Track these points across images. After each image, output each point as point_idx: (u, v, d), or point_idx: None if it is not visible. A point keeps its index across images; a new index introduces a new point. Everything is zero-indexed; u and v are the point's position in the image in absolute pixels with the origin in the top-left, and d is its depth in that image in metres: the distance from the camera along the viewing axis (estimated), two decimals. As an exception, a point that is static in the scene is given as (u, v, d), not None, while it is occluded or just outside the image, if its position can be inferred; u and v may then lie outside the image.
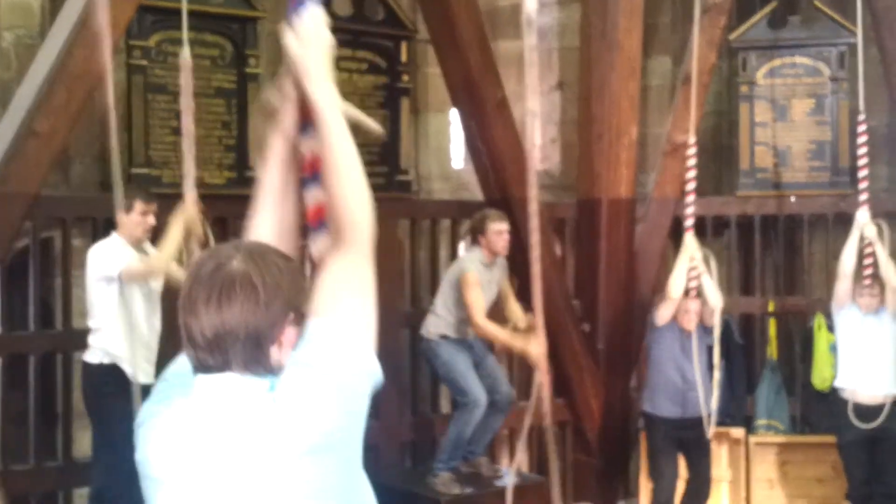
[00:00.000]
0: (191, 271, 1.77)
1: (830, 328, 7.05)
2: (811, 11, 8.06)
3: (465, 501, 5.98)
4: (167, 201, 5.77)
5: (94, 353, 5.20)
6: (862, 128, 6.64)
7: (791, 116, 8.00)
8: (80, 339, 5.34)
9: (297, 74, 2.00)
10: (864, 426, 6.34)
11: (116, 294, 5.11)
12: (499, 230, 6.03)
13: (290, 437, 1.67)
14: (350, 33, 6.65)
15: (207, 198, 5.29)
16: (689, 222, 6.50)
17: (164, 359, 5.29)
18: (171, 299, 5.13)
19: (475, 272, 5.95)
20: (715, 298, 6.41)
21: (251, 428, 1.68)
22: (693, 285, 6.40)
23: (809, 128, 7.97)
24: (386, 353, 6.68)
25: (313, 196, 2.07)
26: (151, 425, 1.78)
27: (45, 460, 5.60)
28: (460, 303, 5.98)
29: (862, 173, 6.61)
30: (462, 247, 6.97)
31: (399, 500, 5.50)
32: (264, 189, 2.07)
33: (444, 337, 6.02)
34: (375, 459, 6.46)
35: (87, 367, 5.23)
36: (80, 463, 5.63)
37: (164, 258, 5.09)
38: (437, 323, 6.06)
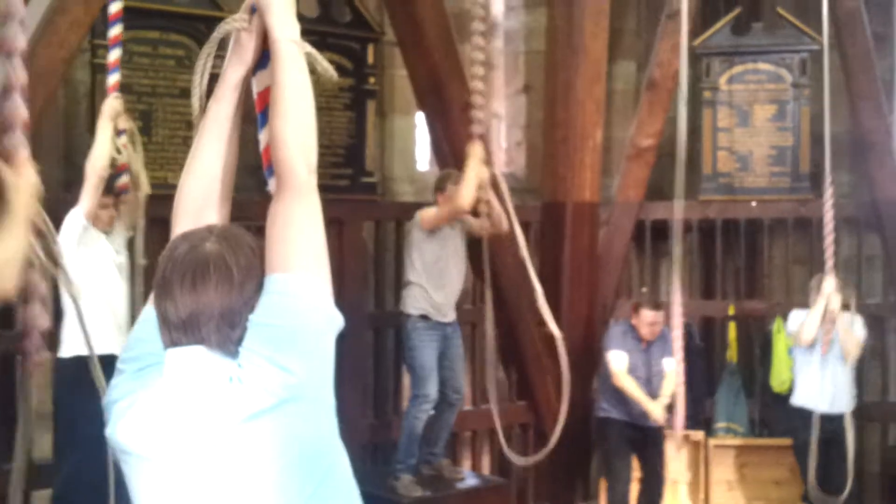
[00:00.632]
0: (165, 253, 1.81)
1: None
2: (774, 18, 8.15)
3: (427, 503, 5.99)
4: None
5: (67, 347, 5.10)
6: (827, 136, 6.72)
7: (753, 122, 8.08)
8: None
9: (260, 5, 1.98)
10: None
11: (81, 276, 5.02)
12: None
13: (258, 395, 1.69)
14: (316, 35, 6.64)
15: (172, 198, 5.25)
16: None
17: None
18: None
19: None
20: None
21: (220, 398, 1.70)
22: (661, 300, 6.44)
23: (771, 133, 8.06)
24: (349, 354, 6.69)
25: (265, 135, 2.03)
26: (127, 402, 1.79)
27: (3, 462, 5.54)
28: (431, 276, 5.98)
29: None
30: None
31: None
32: (212, 120, 2.03)
33: (424, 318, 6.00)
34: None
35: (59, 362, 5.09)
36: (39, 465, 5.57)
37: (99, 156, 4.87)
38: (415, 296, 6.00)
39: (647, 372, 6.46)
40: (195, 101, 2.12)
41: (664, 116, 7.71)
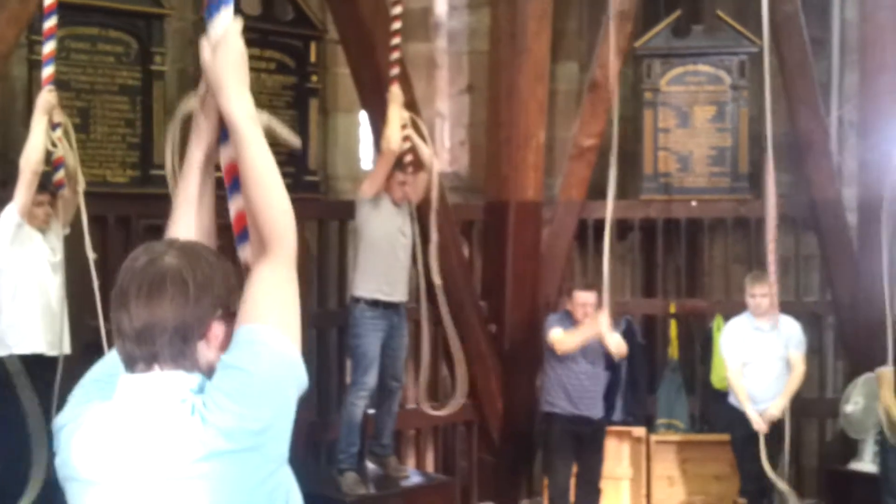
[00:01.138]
0: (125, 264, 1.81)
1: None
2: (714, 21, 8.26)
3: (371, 502, 5.99)
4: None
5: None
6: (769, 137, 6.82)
7: (693, 123, 8.18)
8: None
9: (211, 86, 1.98)
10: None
11: (15, 275, 4.95)
12: (401, 180, 6.09)
13: (218, 438, 1.68)
14: (258, 32, 6.60)
15: (111, 196, 5.20)
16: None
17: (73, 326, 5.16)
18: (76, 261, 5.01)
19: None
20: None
21: (176, 429, 1.69)
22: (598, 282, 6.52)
23: (711, 134, 8.17)
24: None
25: (234, 204, 2.07)
26: (75, 426, 1.79)
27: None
28: (378, 255, 6.01)
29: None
30: None
31: (304, 501, 5.48)
32: (182, 197, 2.07)
33: (373, 304, 6.00)
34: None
35: None
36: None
37: (33, 150, 4.81)
38: (366, 276, 6.03)
39: (584, 359, 6.50)
40: (169, 179, 2.20)
41: (606, 117, 7.78)
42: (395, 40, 6.02)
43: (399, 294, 6.15)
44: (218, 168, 2.10)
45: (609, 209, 6.47)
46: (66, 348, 5.03)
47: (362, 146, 7.88)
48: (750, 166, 7.98)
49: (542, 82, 7.56)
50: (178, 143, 2.16)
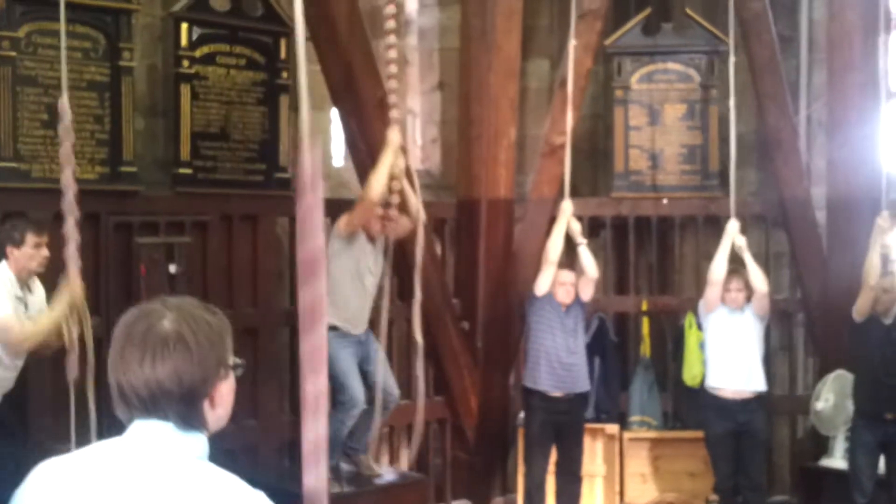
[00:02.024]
0: (120, 331, 1.80)
1: (700, 326, 7.26)
2: (683, 19, 8.29)
3: (345, 500, 5.96)
4: (38, 196, 5.60)
5: None
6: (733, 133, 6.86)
7: (664, 121, 8.21)
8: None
9: None
10: (729, 421, 6.57)
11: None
12: (381, 213, 6.03)
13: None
14: (227, 28, 6.54)
15: (80, 193, 5.12)
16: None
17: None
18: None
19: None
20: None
21: (185, 480, 1.70)
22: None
23: (681, 132, 8.20)
24: (265, 351, 6.62)
25: None
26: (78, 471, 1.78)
27: None
28: (344, 289, 5.96)
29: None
30: None
31: (278, 500, 5.43)
32: None
33: (333, 328, 5.96)
34: (254, 459, 6.38)
35: None
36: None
37: (41, 331, 4.80)
38: (333, 307, 5.96)
39: (564, 334, 6.57)
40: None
41: (577, 115, 7.79)
42: (394, 82, 5.68)
43: (361, 327, 6.14)
44: None
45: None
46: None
47: (334, 143, 7.84)
48: (720, 164, 8.01)
49: (513, 80, 7.56)
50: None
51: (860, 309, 6.42)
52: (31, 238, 4.97)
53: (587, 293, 6.78)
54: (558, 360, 6.62)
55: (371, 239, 6.09)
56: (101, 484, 1.73)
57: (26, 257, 4.96)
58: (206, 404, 1.79)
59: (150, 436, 1.76)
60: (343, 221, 5.98)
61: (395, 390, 6.30)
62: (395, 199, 5.86)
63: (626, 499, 7.28)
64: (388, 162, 5.62)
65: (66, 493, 1.74)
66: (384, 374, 6.15)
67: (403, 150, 5.87)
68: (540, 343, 6.70)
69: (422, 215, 5.91)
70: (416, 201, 5.89)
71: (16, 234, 4.94)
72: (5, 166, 5.72)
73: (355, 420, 6.01)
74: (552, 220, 7.84)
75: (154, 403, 1.75)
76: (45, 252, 5.03)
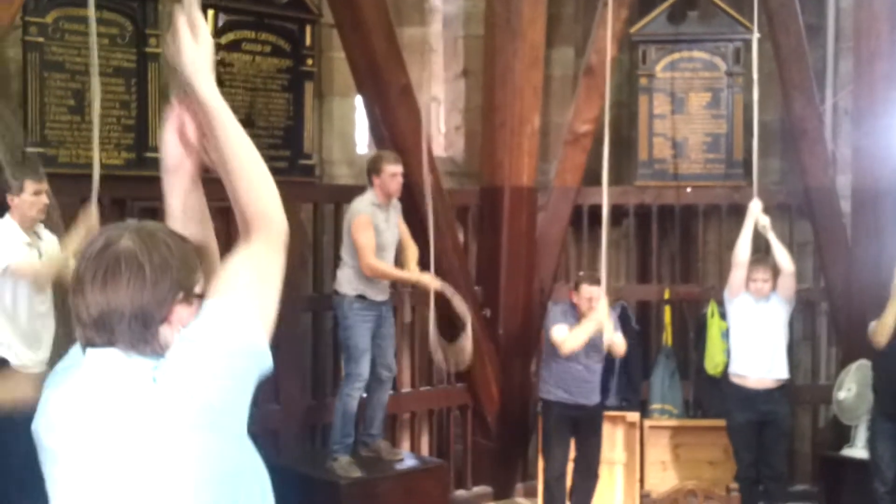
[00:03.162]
0: (82, 249, 1.79)
1: (723, 315, 7.25)
2: (709, 7, 8.25)
3: (365, 485, 6.01)
4: (65, 181, 5.67)
5: None
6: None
7: (688, 109, 8.18)
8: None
9: (186, 77, 1.92)
10: (752, 410, 6.57)
11: None
12: (393, 172, 6.08)
13: (172, 411, 1.67)
14: (253, 15, 6.58)
15: (106, 178, 5.19)
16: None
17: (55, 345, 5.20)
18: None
19: (367, 214, 6.00)
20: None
21: (134, 404, 1.68)
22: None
23: (705, 121, 8.17)
24: (287, 337, 6.70)
25: None
26: (49, 395, 1.79)
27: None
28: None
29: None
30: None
31: (299, 484, 5.50)
32: (174, 204, 2.06)
33: (361, 297, 6.02)
34: (276, 443, 6.44)
35: None
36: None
37: (56, 265, 4.96)
38: (351, 277, 6.03)
39: (585, 349, 6.50)
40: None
41: (601, 103, 7.77)
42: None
43: (382, 294, 6.16)
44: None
45: (605, 198, 6.48)
46: None
47: (358, 130, 7.87)
48: (745, 153, 7.98)
49: (538, 67, 7.56)
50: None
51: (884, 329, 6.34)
52: (29, 185, 5.09)
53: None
54: (576, 380, 6.52)
55: (384, 204, 6.10)
56: (58, 419, 1.73)
57: (27, 205, 5.07)
58: (164, 328, 1.75)
59: (100, 364, 1.73)
60: (368, 265, 5.97)
61: (394, 368, 6.35)
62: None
63: (647, 486, 7.27)
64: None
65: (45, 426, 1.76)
66: (385, 350, 6.21)
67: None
68: (555, 363, 6.54)
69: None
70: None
71: (15, 182, 5.02)
72: (33, 151, 5.79)
73: (359, 394, 6.06)
74: (575, 209, 7.87)
75: (103, 323, 1.72)
76: (44, 199, 5.16)
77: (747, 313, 6.65)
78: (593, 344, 6.47)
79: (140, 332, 1.73)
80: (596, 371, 6.58)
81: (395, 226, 6.22)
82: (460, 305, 6.17)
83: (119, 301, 1.71)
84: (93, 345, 1.75)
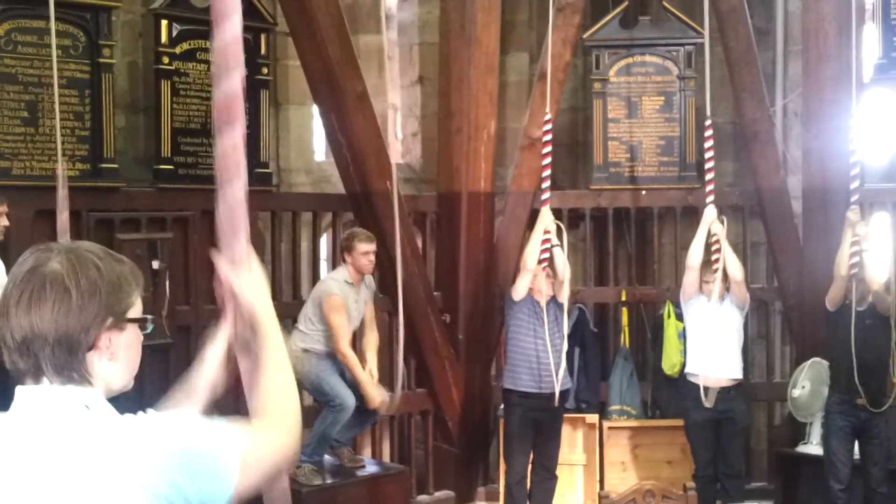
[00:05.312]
0: (13, 270, 1.71)
1: (679, 316, 7.34)
2: (660, 12, 8.35)
3: (327, 492, 6.02)
4: (20, 193, 5.64)
5: None
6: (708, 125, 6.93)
7: (642, 113, 8.27)
8: None
9: (245, 301, 1.96)
10: (709, 409, 6.65)
11: None
12: (365, 251, 6.13)
13: (111, 436, 1.62)
14: (207, 24, 6.56)
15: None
16: (545, 196, 6.83)
17: None
18: None
19: (339, 296, 6.03)
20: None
21: (70, 433, 1.62)
22: (544, 258, 6.61)
23: (659, 124, 8.27)
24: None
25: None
26: None
27: None
28: (324, 318, 6.04)
29: (709, 167, 6.88)
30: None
31: (260, 493, 5.48)
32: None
33: (308, 351, 6.05)
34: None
35: None
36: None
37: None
38: (303, 338, 6.08)
39: (541, 330, 6.57)
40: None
41: (557, 108, 7.86)
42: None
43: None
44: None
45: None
46: None
47: (315, 138, 7.89)
48: (697, 155, 8.08)
49: (493, 73, 7.62)
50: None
51: (832, 299, 6.51)
52: None
53: (562, 295, 6.76)
54: (538, 360, 6.63)
55: (353, 282, 6.16)
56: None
57: None
58: (92, 356, 1.67)
59: (30, 399, 1.66)
60: (336, 344, 6.04)
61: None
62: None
63: (606, 487, 7.35)
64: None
65: None
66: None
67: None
68: (520, 344, 6.66)
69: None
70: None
71: None
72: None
73: (348, 419, 6.07)
74: (532, 213, 7.92)
75: (27, 348, 1.64)
76: (4, 221, 5.20)
77: (702, 315, 6.73)
78: (551, 322, 6.54)
79: (64, 358, 1.65)
80: (557, 351, 6.61)
81: (363, 304, 6.25)
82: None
83: (43, 326, 1.63)
84: (18, 369, 1.67)
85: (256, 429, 1.80)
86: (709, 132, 6.90)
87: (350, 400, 6.00)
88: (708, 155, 6.90)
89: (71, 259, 1.68)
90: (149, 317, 1.78)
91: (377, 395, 6.04)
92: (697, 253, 6.70)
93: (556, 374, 6.51)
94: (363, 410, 6.14)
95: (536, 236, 6.66)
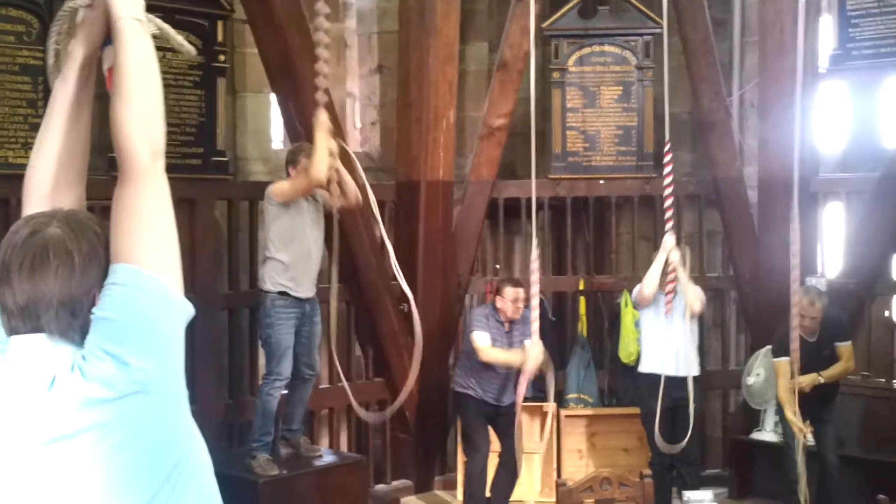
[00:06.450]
0: (7, 237, 1.75)
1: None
2: (619, 2, 8.38)
3: (283, 483, 6.00)
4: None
5: None
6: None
7: (600, 103, 8.29)
8: None
9: None
10: (665, 397, 6.70)
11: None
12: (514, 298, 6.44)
13: (99, 388, 1.65)
14: (163, 11, 6.48)
15: (11, 178, 5.09)
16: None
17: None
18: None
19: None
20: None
21: (58, 389, 1.67)
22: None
23: (617, 114, 8.30)
24: (203, 335, 6.62)
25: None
26: None
27: None
28: (288, 245, 5.96)
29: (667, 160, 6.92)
30: None
31: (217, 483, 5.45)
32: (59, 99, 1.97)
33: (283, 295, 5.98)
34: (193, 443, 6.38)
35: None
36: None
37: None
38: (273, 273, 5.96)
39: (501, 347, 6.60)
40: (49, 76, 2.06)
41: (515, 97, 7.86)
42: (323, 66, 5.54)
43: (309, 289, 6.09)
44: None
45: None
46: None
47: (273, 127, 7.83)
48: (655, 145, 8.13)
49: (452, 63, 7.60)
50: (63, 42, 2.02)
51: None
52: None
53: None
54: (490, 379, 6.62)
55: (308, 197, 6.07)
56: None
57: None
58: (91, 316, 1.72)
59: (23, 350, 1.71)
60: (281, 190, 5.95)
61: (317, 367, 6.35)
62: (334, 178, 5.82)
63: (563, 475, 7.39)
64: (323, 142, 5.61)
65: None
66: (310, 349, 6.20)
67: (335, 131, 5.88)
68: (471, 361, 6.63)
69: (359, 197, 5.92)
70: (351, 184, 5.88)
71: None
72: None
73: (280, 394, 6.04)
74: (491, 203, 7.94)
75: (32, 313, 1.70)
76: None
77: (657, 321, 6.76)
78: (510, 346, 6.57)
79: (67, 320, 1.71)
80: (510, 375, 6.65)
81: (314, 220, 6.18)
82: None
83: (47, 289, 1.69)
84: (18, 332, 1.72)
85: (138, 216, 1.75)
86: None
87: (286, 371, 5.98)
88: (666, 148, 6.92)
89: (71, 224, 1.74)
90: None
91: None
92: (652, 284, 6.60)
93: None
94: (297, 379, 6.12)
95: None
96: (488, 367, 6.58)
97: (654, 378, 6.72)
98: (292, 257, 5.97)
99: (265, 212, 6.05)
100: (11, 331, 1.73)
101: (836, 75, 7.83)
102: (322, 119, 5.57)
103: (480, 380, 6.62)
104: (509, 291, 6.55)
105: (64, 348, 1.71)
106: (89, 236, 1.75)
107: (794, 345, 5.86)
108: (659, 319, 6.74)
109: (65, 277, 1.70)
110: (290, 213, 5.97)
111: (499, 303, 6.58)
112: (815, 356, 6.41)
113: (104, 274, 1.74)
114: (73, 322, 1.71)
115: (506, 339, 6.62)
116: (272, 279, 5.96)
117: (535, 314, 6.30)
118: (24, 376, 1.70)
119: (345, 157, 5.80)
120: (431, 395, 7.71)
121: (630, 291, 7.46)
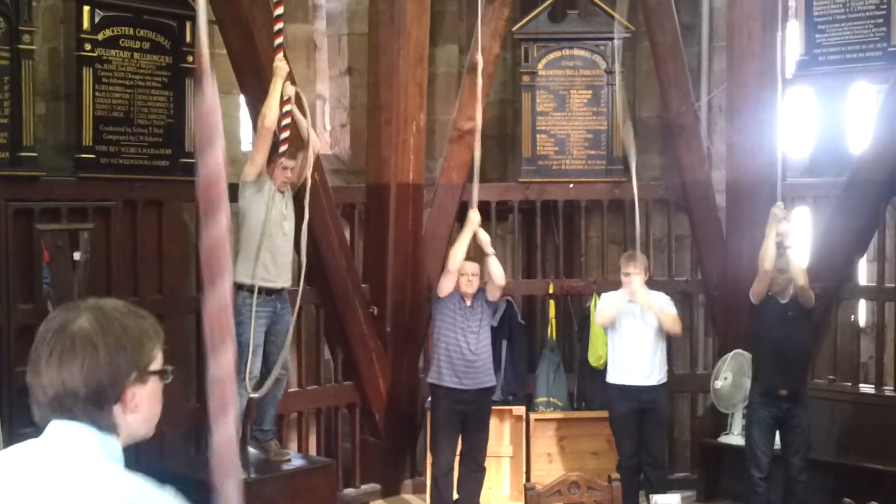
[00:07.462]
0: (42, 325, 1.81)
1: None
2: (588, 6, 8.40)
3: (252, 486, 5.94)
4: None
5: None
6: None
7: (570, 107, 8.31)
8: None
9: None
10: (633, 400, 6.74)
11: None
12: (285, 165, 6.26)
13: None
14: (131, 11, 6.44)
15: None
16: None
17: None
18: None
19: None
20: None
21: (89, 478, 1.70)
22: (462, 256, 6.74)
23: (587, 118, 8.32)
24: (172, 338, 6.51)
25: None
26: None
27: None
28: (261, 232, 5.99)
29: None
30: None
31: (185, 488, 5.39)
32: None
33: (254, 290, 5.95)
34: (160, 447, 6.32)
35: None
36: None
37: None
38: (245, 263, 5.99)
39: (467, 332, 6.63)
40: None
41: (486, 100, 7.86)
42: (279, 10, 5.97)
43: (282, 280, 6.12)
44: None
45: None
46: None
47: (242, 128, 7.78)
48: (624, 149, 8.14)
49: (422, 65, 7.60)
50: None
51: (756, 292, 6.61)
52: None
53: (494, 296, 6.87)
54: (461, 358, 6.69)
55: (279, 189, 6.13)
56: (10, 486, 1.73)
57: None
58: (118, 408, 1.78)
59: (61, 437, 1.76)
60: (247, 165, 6.10)
61: (288, 366, 6.33)
62: (285, 134, 6.05)
63: (532, 478, 7.40)
64: (276, 90, 5.88)
65: None
66: (280, 345, 6.17)
67: (291, 77, 6.13)
68: (444, 340, 6.76)
69: (315, 141, 6.24)
70: (305, 124, 6.15)
71: None
72: None
73: (247, 394, 6.00)
74: (462, 206, 7.93)
75: (59, 403, 1.75)
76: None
77: (625, 327, 6.82)
78: (476, 322, 6.62)
79: (94, 413, 1.75)
80: (481, 353, 6.67)
81: (286, 210, 6.21)
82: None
83: (73, 382, 1.74)
84: (47, 423, 1.78)
85: None
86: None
87: (256, 370, 6.00)
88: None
89: (98, 317, 1.79)
90: (169, 368, 1.88)
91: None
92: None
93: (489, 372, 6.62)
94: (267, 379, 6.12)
95: (465, 238, 6.82)
96: (458, 347, 6.70)
97: (621, 386, 6.77)
98: (266, 247, 6.01)
99: (240, 198, 6.07)
100: (41, 421, 1.79)
101: (802, 81, 7.89)
102: (279, 65, 5.91)
103: (453, 362, 6.67)
104: (465, 265, 6.80)
105: (102, 439, 1.76)
106: (115, 329, 1.78)
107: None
108: (627, 325, 6.79)
109: (90, 370, 1.75)
110: (264, 202, 6.01)
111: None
112: (785, 318, 6.48)
113: (130, 366, 1.78)
114: (99, 413, 1.76)
115: (464, 319, 6.75)
116: (246, 271, 5.97)
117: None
118: (55, 459, 1.74)
119: (299, 103, 6.16)
120: (401, 398, 7.70)
121: (600, 295, 7.46)
